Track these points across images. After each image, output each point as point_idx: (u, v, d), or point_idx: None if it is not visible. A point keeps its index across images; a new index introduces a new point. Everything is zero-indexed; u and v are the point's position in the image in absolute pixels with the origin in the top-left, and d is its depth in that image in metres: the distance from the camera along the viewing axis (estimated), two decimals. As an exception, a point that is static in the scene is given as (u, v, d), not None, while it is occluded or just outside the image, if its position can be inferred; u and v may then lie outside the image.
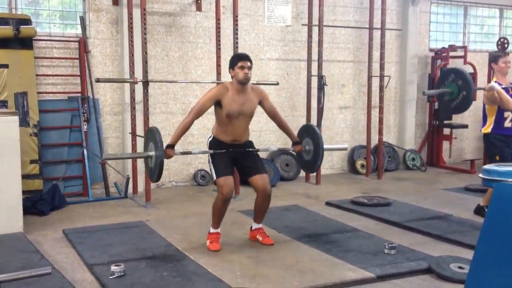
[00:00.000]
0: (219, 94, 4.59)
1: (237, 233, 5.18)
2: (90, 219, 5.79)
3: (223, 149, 4.69)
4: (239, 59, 4.59)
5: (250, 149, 4.82)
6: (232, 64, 4.61)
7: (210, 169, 4.73)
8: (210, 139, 4.81)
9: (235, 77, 4.57)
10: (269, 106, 4.85)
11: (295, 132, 5.11)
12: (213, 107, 4.67)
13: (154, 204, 6.39)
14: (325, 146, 4.94)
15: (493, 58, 5.91)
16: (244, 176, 4.94)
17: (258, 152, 4.96)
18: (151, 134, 4.53)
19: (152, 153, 4.45)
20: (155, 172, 4.45)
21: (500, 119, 5.72)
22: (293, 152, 5.09)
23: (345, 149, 5.68)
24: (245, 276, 4.06)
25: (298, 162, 5.17)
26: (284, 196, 6.95)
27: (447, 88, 5.21)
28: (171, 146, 4.51)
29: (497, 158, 5.73)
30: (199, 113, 4.59)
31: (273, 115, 4.91)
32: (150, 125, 6.38)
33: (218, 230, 4.79)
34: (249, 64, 4.57)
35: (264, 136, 7.98)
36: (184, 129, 4.58)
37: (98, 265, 4.24)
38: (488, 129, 5.79)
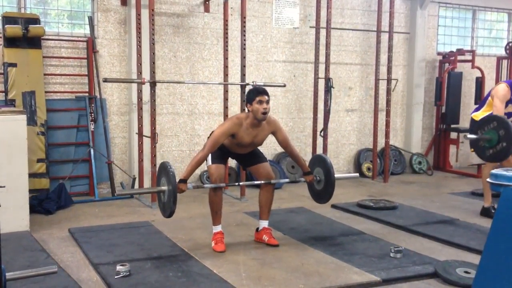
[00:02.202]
0: (233, 129, 4.59)
1: (242, 234, 5.18)
2: (96, 218, 5.80)
3: (226, 154, 4.82)
4: (257, 94, 4.54)
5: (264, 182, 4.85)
6: (250, 98, 4.57)
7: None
8: None
9: (254, 113, 4.54)
10: (282, 137, 4.86)
11: (306, 162, 5.15)
12: None
13: (160, 205, 6.39)
14: (336, 176, 4.93)
15: None
16: (245, 166, 5.01)
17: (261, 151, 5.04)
18: (164, 170, 4.49)
19: (165, 187, 4.44)
20: (168, 207, 4.43)
21: None
22: (304, 182, 5.11)
23: (356, 177, 5.65)
24: (250, 278, 4.05)
25: (310, 192, 5.20)
26: (290, 198, 6.94)
27: (487, 135, 5.12)
28: (184, 180, 4.48)
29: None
30: (212, 148, 4.59)
31: (285, 146, 4.92)
32: (157, 126, 6.40)
33: (220, 228, 4.78)
34: (267, 98, 4.55)
35: (271, 138, 7.93)
36: (198, 164, 4.56)
37: (103, 264, 4.24)
38: (479, 117, 5.83)
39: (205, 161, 4.73)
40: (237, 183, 6.23)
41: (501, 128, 4.98)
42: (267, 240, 4.85)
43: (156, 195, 6.32)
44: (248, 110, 4.63)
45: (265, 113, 4.53)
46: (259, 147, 4.95)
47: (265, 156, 5.01)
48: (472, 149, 5.32)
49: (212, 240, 4.75)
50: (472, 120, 6.33)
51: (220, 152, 4.75)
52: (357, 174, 5.84)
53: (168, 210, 4.43)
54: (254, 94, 4.56)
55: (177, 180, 4.37)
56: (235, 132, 4.59)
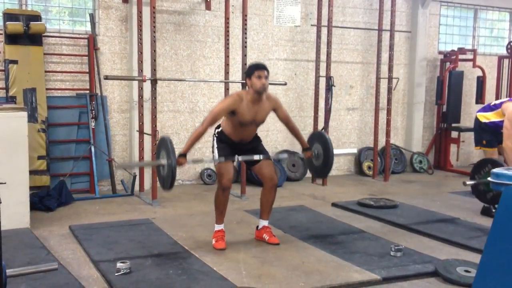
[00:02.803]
0: (234, 104, 4.59)
1: (243, 232, 5.18)
2: (96, 215, 5.81)
3: (229, 144, 4.77)
4: (256, 68, 4.58)
5: (262, 156, 4.83)
6: (249, 73, 4.60)
7: (213, 152, 4.79)
8: (218, 130, 4.81)
9: (253, 86, 4.57)
10: (283, 114, 4.89)
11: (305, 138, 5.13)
12: None
13: (161, 202, 6.40)
14: (335, 151, 4.93)
15: None
16: (249, 164, 4.97)
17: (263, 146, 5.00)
18: (163, 143, 4.51)
19: (164, 161, 4.44)
20: (167, 181, 4.43)
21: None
22: (303, 158, 5.10)
23: (354, 153, 5.63)
24: (251, 276, 4.06)
25: (308, 167, 5.20)
26: (290, 197, 6.94)
27: (485, 179, 5.23)
28: (183, 155, 4.50)
29: (484, 142, 6.41)
30: (212, 122, 4.60)
31: (287, 122, 4.94)
32: (157, 123, 6.40)
33: (222, 226, 4.79)
34: (266, 73, 4.57)
35: (271, 136, 7.98)
36: (197, 138, 4.58)
37: (104, 261, 4.24)
38: (486, 120, 6.26)
39: (213, 159, 4.76)
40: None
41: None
42: (267, 239, 4.85)
43: (156, 194, 6.36)
44: (247, 86, 4.66)
45: (263, 87, 4.56)
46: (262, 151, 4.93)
47: (268, 154, 4.97)
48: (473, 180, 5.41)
49: (213, 238, 4.75)
50: (477, 120, 6.43)
51: (226, 148, 4.73)
52: (355, 150, 5.75)
53: (168, 183, 4.44)
54: (253, 68, 4.61)
55: (177, 155, 4.38)
56: (235, 108, 4.57)
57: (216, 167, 4.82)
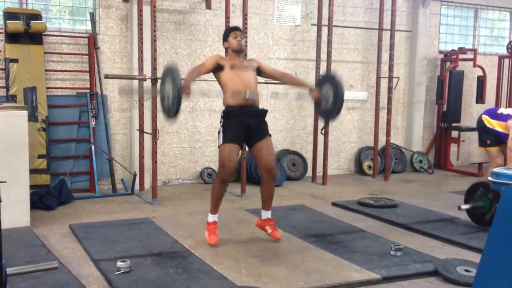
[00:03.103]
0: (218, 58, 4.74)
1: (243, 231, 5.18)
2: (96, 214, 5.81)
3: (239, 120, 4.59)
4: (231, 30, 4.78)
5: (260, 109, 4.78)
6: (225, 36, 4.76)
7: (218, 132, 4.69)
8: (223, 109, 4.71)
9: (230, 46, 4.71)
10: (267, 67, 4.97)
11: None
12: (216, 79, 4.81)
13: (161, 201, 6.40)
14: (345, 94, 4.77)
15: None
16: (251, 143, 4.76)
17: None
18: (169, 70, 4.45)
19: (170, 91, 4.39)
20: (172, 108, 4.36)
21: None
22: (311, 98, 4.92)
23: (364, 98, 5.52)
24: (251, 275, 4.06)
25: (316, 110, 5.05)
26: (290, 196, 6.94)
27: (479, 202, 5.32)
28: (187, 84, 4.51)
29: (488, 142, 6.48)
30: (202, 67, 4.72)
31: (274, 73, 4.99)
32: (158, 122, 6.40)
33: (216, 217, 4.75)
34: (240, 33, 4.73)
35: (272, 135, 7.95)
36: (199, 73, 4.72)
37: (104, 260, 4.25)
38: (490, 126, 6.37)
39: (218, 141, 4.66)
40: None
41: (488, 191, 5.26)
42: (269, 232, 4.84)
43: (156, 193, 6.36)
44: (226, 49, 4.79)
45: (240, 44, 4.66)
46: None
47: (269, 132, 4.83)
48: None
49: (206, 230, 4.74)
50: (481, 121, 6.46)
51: (232, 124, 4.58)
52: (366, 94, 5.63)
53: (172, 111, 4.40)
54: (228, 31, 4.80)
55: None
56: (220, 60, 4.69)
57: (219, 151, 4.65)
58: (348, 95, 5.01)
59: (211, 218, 4.77)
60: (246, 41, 4.73)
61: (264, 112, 4.82)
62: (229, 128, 4.60)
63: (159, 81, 6.45)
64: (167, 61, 7.25)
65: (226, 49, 4.81)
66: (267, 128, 4.81)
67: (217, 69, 4.68)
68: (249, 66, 4.76)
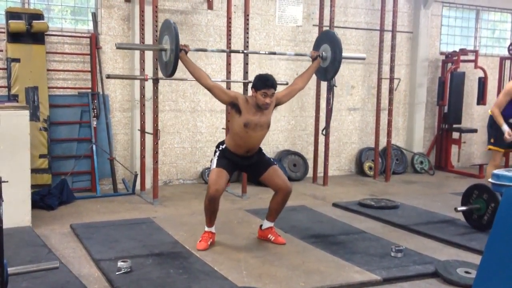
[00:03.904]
0: (239, 96, 4.60)
1: (243, 232, 5.19)
2: (97, 214, 5.82)
3: (234, 160, 4.67)
4: (264, 86, 4.49)
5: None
6: (256, 87, 4.52)
7: (211, 164, 4.71)
8: (222, 147, 4.72)
9: (256, 100, 4.53)
10: (284, 94, 4.86)
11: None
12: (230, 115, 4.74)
13: (162, 201, 6.41)
14: (343, 54, 4.94)
15: None
16: (255, 178, 4.89)
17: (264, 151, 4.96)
18: (168, 27, 4.44)
19: (167, 46, 4.40)
20: (170, 66, 4.40)
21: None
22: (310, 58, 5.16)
23: (363, 58, 5.61)
24: (251, 276, 4.06)
25: (315, 73, 5.24)
26: (291, 197, 6.84)
27: (476, 205, 5.33)
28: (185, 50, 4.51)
29: (492, 140, 6.55)
30: (214, 86, 4.60)
31: (293, 89, 4.94)
32: (159, 122, 6.41)
33: (212, 229, 4.73)
34: (273, 91, 4.54)
35: (272, 136, 7.98)
36: (199, 71, 4.64)
37: (105, 260, 4.25)
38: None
39: (210, 165, 4.70)
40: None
41: (483, 193, 5.29)
42: (273, 239, 4.84)
43: (157, 193, 6.37)
44: (252, 94, 4.62)
45: (266, 106, 4.54)
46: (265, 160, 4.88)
47: (271, 160, 4.92)
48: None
49: (200, 237, 4.71)
50: (489, 117, 6.53)
51: (227, 162, 4.64)
52: (364, 55, 5.67)
53: (170, 68, 4.41)
54: (261, 85, 4.50)
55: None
56: (240, 101, 4.53)
57: (210, 171, 4.70)
58: (346, 54, 5.17)
59: (206, 228, 4.74)
60: (274, 93, 4.59)
61: (259, 150, 4.82)
62: (223, 159, 4.64)
63: (160, 81, 6.47)
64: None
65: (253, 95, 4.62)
66: (268, 159, 4.86)
67: (233, 106, 4.58)
68: (265, 124, 4.62)
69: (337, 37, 4.96)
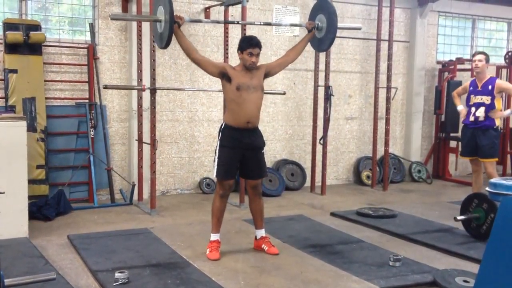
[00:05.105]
0: (226, 65, 4.75)
1: (241, 241, 5.18)
2: (95, 225, 5.80)
3: (235, 136, 4.64)
4: (249, 45, 4.60)
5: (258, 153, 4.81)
6: (242, 47, 4.64)
7: (214, 160, 4.73)
8: (222, 126, 4.75)
9: (243, 61, 4.63)
10: (274, 65, 4.93)
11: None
12: (221, 87, 4.77)
13: (159, 211, 6.40)
14: (338, 25, 4.95)
15: None
16: (244, 176, 4.92)
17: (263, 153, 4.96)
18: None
19: (161, 17, 4.41)
20: (164, 36, 4.42)
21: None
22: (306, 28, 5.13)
23: (359, 28, 5.60)
24: (249, 286, 4.05)
25: (311, 44, 5.29)
26: (289, 206, 6.94)
27: (475, 214, 5.35)
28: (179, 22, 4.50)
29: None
30: (202, 59, 4.67)
31: (284, 61, 4.97)
32: (156, 132, 6.41)
33: (218, 237, 4.76)
34: (258, 50, 4.63)
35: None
36: (190, 47, 4.63)
37: (102, 271, 4.24)
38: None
39: (213, 161, 4.72)
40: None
41: (483, 202, 5.30)
42: (266, 249, 4.84)
43: (154, 204, 6.36)
44: (239, 58, 4.71)
45: (253, 65, 4.60)
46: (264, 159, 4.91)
47: (266, 170, 4.97)
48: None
49: (208, 247, 4.74)
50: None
51: (228, 154, 4.64)
52: (360, 25, 5.66)
53: (164, 40, 4.43)
54: (246, 44, 4.63)
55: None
56: (228, 69, 4.63)
57: (216, 176, 4.76)
58: (341, 25, 5.23)
59: (213, 237, 4.77)
60: (259, 53, 4.66)
61: (262, 145, 4.86)
62: (225, 159, 4.65)
63: (158, 91, 6.48)
64: (166, 72, 7.29)
65: (239, 58, 4.72)
66: (265, 170, 4.89)
67: (223, 76, 4.66)
68: (257, 86, 4.68)
69: (333, 6, 4.94)
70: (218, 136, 4.76)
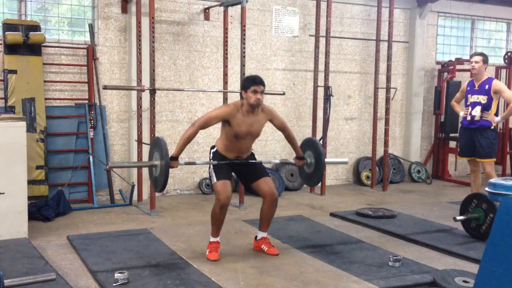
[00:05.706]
0: (228, 114, 4.60)
1: (241, 242, 5.18)
2: (94, 225, 5.80)
3: (229, 168, 4.76)
4: (253, 83, 4.54)
5: (252, 161, 4.86)
6: (245, 86, 4.58)
7: (210, 175, 4.76)
8: (214, 150, 4.82)
9: (247, 100, 4.56)
10: (279, 122, 4.89)
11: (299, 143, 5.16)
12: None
13: (159, 212, 6.40)
14: (326, 160, 5.03)
15: None
16: (247, 183, 4.94)
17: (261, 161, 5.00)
18: (157, 144, 4.54)
19: (157, 162, 4.46)
20: (159, 182, 4.45)
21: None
22: (295, 165, 5.21)
23: (345, 162, 5.71)
24: (249, 286, 4.05)
25: (299, 175, 5.33)
26: (288, 206, 6.94)
27: (474, 214, 5.35)
28: (175, 158, 4.51)
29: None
30: (203, 126, 4.61)
31: (283, 130, 4.94)
32: (156, 133, 6.41)
33: (218, 239, 4.77)
34: (262, 88, 4.56)
35: (269, 146, 7.99)
36: (188, 140, 4.58)
37: (102, 272, 4.24)
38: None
39: (210, 178, 4.74)
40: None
41: (482, 202, 5.29)
42: (266, 250, 4.84)
43: (154, 204, 6.36)
44: (242, 97, 4.66)
45: (257, 102, 4.56)
46: (260, 164, 4.93)
47: (267, 172, 4.97)
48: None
49: (207, 248, 4.74)
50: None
51: (223, 167, 4.71)
52: (347, 160, 5.77)
53: (159, 185, 4.44)
54: (250, 83, 4.58)
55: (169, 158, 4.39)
56: (230, 118, 4.58)
57: (213, 184, 4.73)
58: (329, 160, 5.59)
59: (213, 239, 4.77)
60: (264, 91, 4.61)
61: (253, 156, 4.90)
62: (220, 169, 4.69)
63: (157, 92, 6.48)
64: (165, 73, 7.29)
65: (243, 97, 4.65)
66: (264, 170, 4.91)
67: (224, 121, 4.64)
68: (256, 133, 4.72)
69: (321, 147, 4.99)
70: (210, 157, 4.82)
